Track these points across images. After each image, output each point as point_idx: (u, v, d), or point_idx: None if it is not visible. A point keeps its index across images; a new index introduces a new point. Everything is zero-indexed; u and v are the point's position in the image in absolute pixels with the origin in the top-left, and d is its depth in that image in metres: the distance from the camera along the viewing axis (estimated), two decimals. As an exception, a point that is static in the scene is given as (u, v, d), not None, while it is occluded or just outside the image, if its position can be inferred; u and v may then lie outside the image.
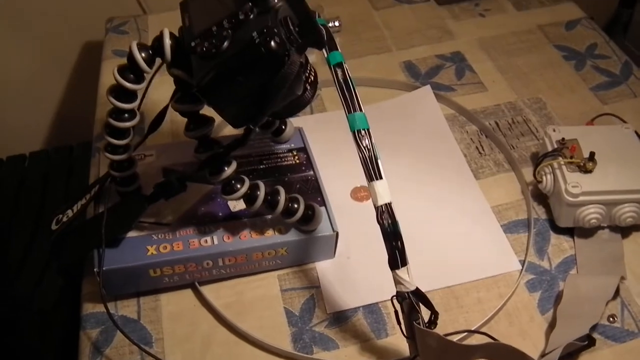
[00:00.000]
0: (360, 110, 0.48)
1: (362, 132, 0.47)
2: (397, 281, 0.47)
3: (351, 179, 0.71)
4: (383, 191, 0.47)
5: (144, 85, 0.48)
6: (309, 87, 0.53)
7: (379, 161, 0.47)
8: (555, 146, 0.65)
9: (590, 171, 0.61)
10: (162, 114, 0.54)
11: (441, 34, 0.95)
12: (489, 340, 0.51)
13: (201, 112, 0.53)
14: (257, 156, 0.67)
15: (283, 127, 0.66)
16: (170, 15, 0.97)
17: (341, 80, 0.50)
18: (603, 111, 0.79)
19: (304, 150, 0.69)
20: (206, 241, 0.57)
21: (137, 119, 0.51)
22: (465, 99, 0.82)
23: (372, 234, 0.62)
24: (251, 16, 0.43)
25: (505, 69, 0.88)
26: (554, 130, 0.67)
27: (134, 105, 0.49)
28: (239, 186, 0.53)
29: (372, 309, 0.59)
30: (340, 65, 0.50)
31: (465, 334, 0.55)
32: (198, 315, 0.59)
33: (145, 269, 0.56)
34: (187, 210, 0.60)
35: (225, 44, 0.42)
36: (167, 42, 0.47)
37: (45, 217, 1.08)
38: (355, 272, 0.62)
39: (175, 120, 0.78)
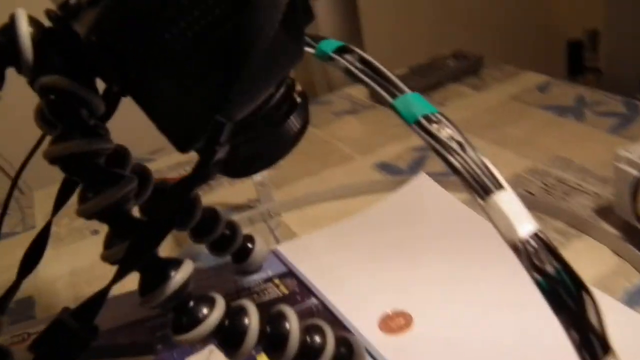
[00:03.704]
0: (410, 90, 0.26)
1: (434, 116, 0.24)
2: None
3: (375, 304, 0.45)
4: (516, 211, 0.22)
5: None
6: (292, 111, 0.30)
7: (484, 159, 0.23)
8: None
9: None
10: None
11: (407, 130, 0.77)
12: None
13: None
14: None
15: (249, 245, 0.42)
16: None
17: (358, 65, 0.28)
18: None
19: (290, 275, 0.44)
20: None
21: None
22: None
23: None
24: None
25: (502, 140, 0.70)
26: None
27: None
28: (204, 310, 0.27)
29: None
30: (344, 48, 0.29)
31: None
32: None
33: None
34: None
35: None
36: (25, 29, 0.23)
37: None
38: None
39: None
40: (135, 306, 0.37)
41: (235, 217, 0.59)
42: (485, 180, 0.23)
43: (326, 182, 0.67)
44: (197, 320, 0.26)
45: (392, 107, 0.25)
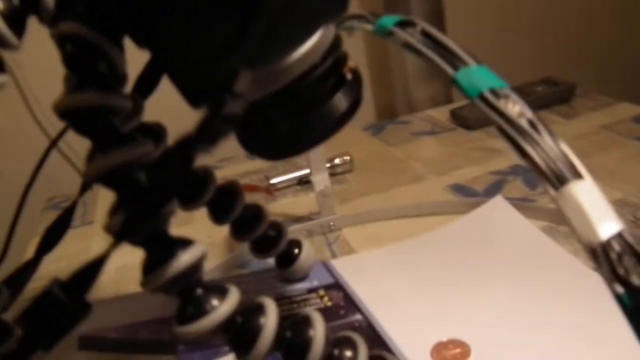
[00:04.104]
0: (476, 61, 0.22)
1: (503, 91, 0.20)
2: None
3: (429, 329, 0.40)
4: (597, 205, 0.18)
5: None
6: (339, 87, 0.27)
7: (561, 142, 0.19)
8: None
9: None
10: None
11: (487, 154, 0.71)
12: None
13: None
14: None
15: (295, 250, 0.38)
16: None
17: (420, 36, 0.24)
18: None
19: (336, 286, 0.40)
20: None
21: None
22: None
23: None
24: None
25: (590, 169, 0.63)
26: None
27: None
28: (214, 301, 0.23)
29: None
30: (407, 22, 0.25)
31: None
32: None
33: None
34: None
35: None
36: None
37: None
38: None
39: None
40: (162, 303, 0.35)
41: (293, 228, 0.55)
42: (561, 166, 0.18)
43: (394, 200, 0.63)
44: (203, 311, 0.23)
45: (453, 82, 0.21)
